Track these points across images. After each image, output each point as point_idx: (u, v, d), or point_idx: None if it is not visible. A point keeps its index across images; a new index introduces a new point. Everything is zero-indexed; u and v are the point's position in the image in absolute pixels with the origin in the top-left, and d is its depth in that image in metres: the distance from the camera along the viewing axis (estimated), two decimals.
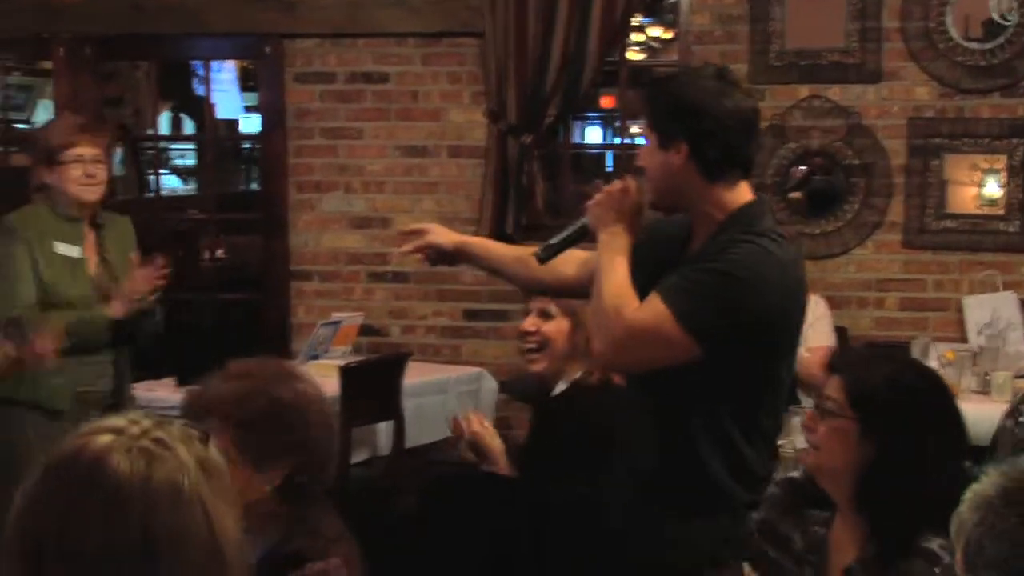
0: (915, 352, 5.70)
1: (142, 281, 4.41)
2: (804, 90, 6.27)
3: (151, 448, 1.46)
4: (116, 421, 1.50)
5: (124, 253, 4.54)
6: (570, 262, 3.11)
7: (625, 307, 2.74)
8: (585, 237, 2.97)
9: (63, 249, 4.35)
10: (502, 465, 3.66)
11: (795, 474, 2.88)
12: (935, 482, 2.41)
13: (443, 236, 3.30)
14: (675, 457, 2.82)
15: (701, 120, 2.76)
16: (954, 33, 6.12)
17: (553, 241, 3.03)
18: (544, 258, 3.06)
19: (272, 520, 2.58)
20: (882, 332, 6.18)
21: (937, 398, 2.55)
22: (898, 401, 2.49)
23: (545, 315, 3.63)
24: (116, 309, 4.39)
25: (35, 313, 4.27)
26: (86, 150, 4.39)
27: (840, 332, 5.75)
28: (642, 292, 2.76)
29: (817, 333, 5.41)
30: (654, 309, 2.71)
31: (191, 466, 1.47)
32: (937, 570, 2.33)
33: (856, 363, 2.65)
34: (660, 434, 2.87)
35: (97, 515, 1.41)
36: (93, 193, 4.41)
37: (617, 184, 2.91)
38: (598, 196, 2.92)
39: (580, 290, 3.08)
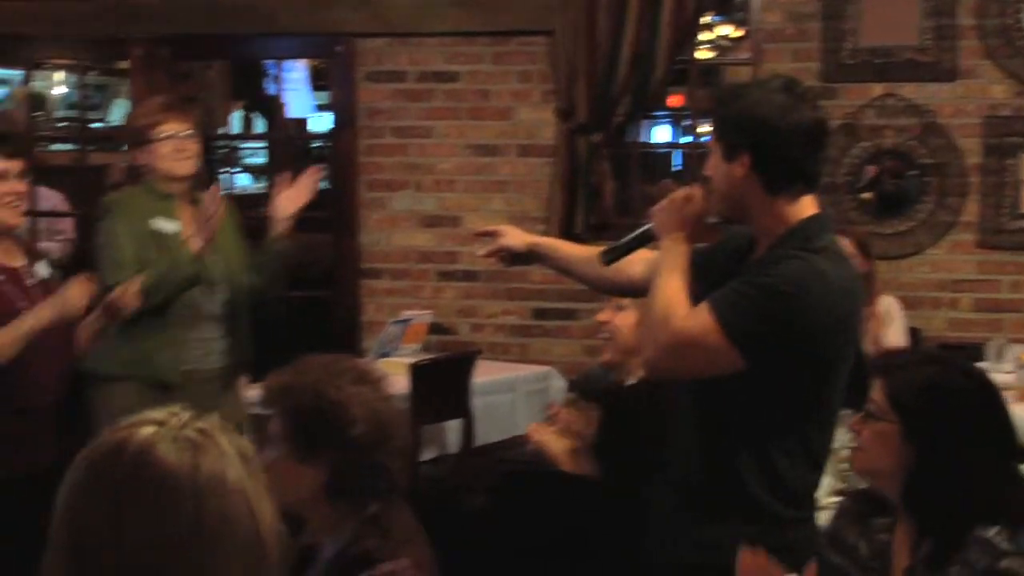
0: (989, 354, 5.63)
1: (212, 202, 4.34)
2: (878, 88, 6.21)
3: (195, 438, 1.48)
4: (155, 414, 1.51)
5: (226, 229, 4.56)
6: (637, 262, 3.10)
7: (674, 315, 2.74)
8: (649, 241, 2.97)
9: (159, 225, 4.40)
10: (567, 464, 3.65)
11: (865, 485, 2.89)
12: (981, 482, 2.43)
13: (516, 238, 3.32)
14: (713, 465, 2.83)
15: (765, 135, 2.73)
16: None
17: (618, 244, 3.05)
18: (608, 260, 3.08)
19: (340, 520, 2.58)
20: (956, 333, 6.11)
21: (980, 398, 2.54)
22: (938, 404, 2.49)
23: (619, 306, 3.65)
24: (194, 243, 4.33)
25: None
26: (174, 126, 4.43)
27: (913, 333, 5.68)
28: (700, 300, 2.76)
29: (891, 337, 5.35)
30: (702, 319, 2.70)
31: (232, 455, 1.49)
32: (997, 559, 2.35)
33: (897, 366, 2.65)
34: (700, 441, 2.88)
35: (147, 506, 1.43)
36: (185, 167, 4.45)
37: (681, 192, 2.90)
38: (662, 203, 2.92)
39: (646, 289, 3.02)
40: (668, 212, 2.88)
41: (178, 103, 4.74)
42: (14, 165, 3.76)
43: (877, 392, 2.57)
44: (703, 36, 9.53)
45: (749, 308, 2.69)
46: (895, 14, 6.16)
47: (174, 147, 4.42)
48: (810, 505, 2.92)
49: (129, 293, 4.02)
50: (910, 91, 6.18)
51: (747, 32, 7.97)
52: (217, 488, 1.45)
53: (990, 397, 2.56)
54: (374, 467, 2.57)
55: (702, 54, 8.91)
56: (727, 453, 2.80)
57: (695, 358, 2.75)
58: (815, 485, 2.93)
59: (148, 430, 1.47)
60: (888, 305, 5.48)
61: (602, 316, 3.68)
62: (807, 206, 2.80)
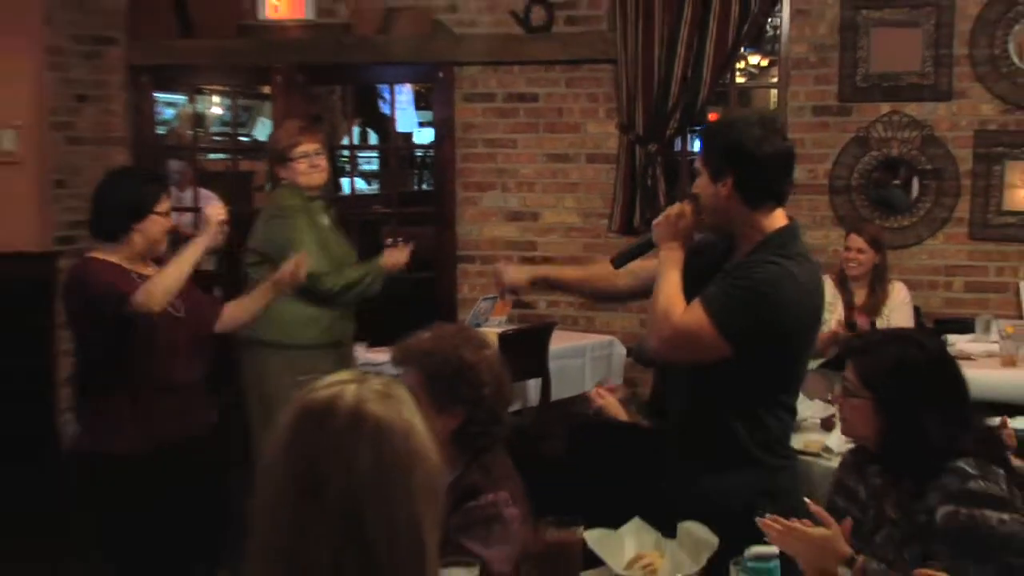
0: (978, 327, 5.54)
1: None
2: (886, 107, 6.11)
3: (389, 392, 1.51)
4: (346, 375, 1.54)
5: (334, 230, 4.68)
6: (623, 275, 3.15)
7: (673, 312, 2.77)
8: (650, 249, 2.99)
9: (322, 220, 4.49)
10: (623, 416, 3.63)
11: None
12: (942, 433, 2.47)
13: (515, 273, 3.34)
14: (706, 426, 2.85)
15: (745, 161, 2.77)
16: (1015, 59, 5.94)
17: (625, 251, 3.10)
18: (619, 264, 3.12)
19: (454, 459, 2.58)
20: (950, 310, 6.02)
21: (936, 366, 2.59)
22: (901, 379, 2.53)
23: None
24: (388, 263, 4.63)
25: (331, 272, 4.46)
26: (308, 146, 4.49)
27: (915, 311, 5.58)
28: (688, 295, 2.79)
29: (900, 316, 5.27)
30: (696, 316, 2.74)
31: (412, 404, 1.53)
32: (965, 481, 2.39)
33: (866, 348, 2.68)
34: (695, 405, 2.91)
35: (367, 447, 1.45)
36: (318, 179, 4.54)
37: (675, 208, 2.93)
38: (660, 217, 2.95)
39: (633, 296, 3.27)
40: (665, 225, 2.91)
41: (310, 126, 4.80)
42: (168, 204, 3.69)
43: (851, 372, 2.62)
44: (738, 65, 9.47)
45: (736, 306, 2.72)
46: (900, 45, 6.07)
47: (308, 164, 4.48)
48: (790, 452, 2.96)
49: (299, 270, 3.93)
50: (913, 109, 6.08)
51: (772, 61, 7.89)
52: (411, 430, 1.49)
53: (944, 363, 2.62)
54: (496, 419, 2.58)
55: (738, 79, 8.84)
56: (719, 416, 2.82)
57: (691, 348, 2.78)
58: (789, 434, 2.97)
59: (353, 387, 1.50)
60: (898, 290, 5.40)
61: None
62: (779, 218, 2.83)
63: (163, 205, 3.63)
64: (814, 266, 2.86)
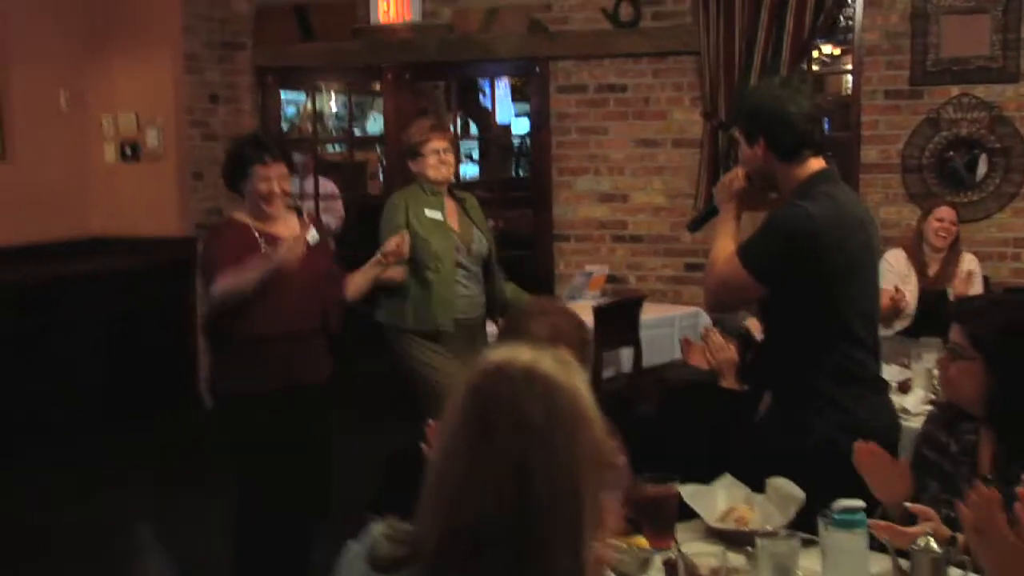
0: None
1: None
2: (955, 89, 5.95)
3: (562, 359, 1.52)
4: (518, 347, 1.54)
5: (480, 217, 4.71)
6: None
7: (717, 263, 2.89)
8: (715, 213, 3.07)
9: (430, 214, 4.49)
10: (730, 377, 3.57)
11: (944, 402, 2.82)
12: None
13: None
14: (783, 364, 2.89)
15: (771, 122, 2.82)
16: None
17: (695, 217, 3.32)
18: (692, 229, 3.38)
19: None
20: (1017, 280, 5.87)
21: None
22: (1012, 340, 2.43)
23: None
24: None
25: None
26: (438, 143, 4.51)
27: (984, 280, 5.44)
28: None
29: (973, 286, 5.14)
30: (732, 263, 2.84)
31: (582, 374, 1.52)
32: None
33: (973, 312, 2.60)
34: (771, 349, 2.96)
35: (538, 400, 1.45)
36: (445, 173, 4.55)
37: (730, 174, 3.03)
38: (719, 182, 3.06)
39: None
40: (722, 189, 3.02)
41: (440, 124, 4.83)
42: (275, 171, 3.77)
43: (958, 334, 2.50)
44: (812, 54, 9.29)
45: (760, 248, 2.82)
46: (969, 30, 5.90)
47: (438, 159, 4.50)
48: (870, 385, 2.90)
49: (403, 243, 4.12)
50: (981, 91, 5.91)
51: (847, 49, 7.72)
52: (579, 394, 1.48)
53: None
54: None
55: (812, 67, 8.68)
56: (790, 354, 2.85)
57: (732, 292, 2.90)
58: (875, 368, 2.93)
59: (527, 352, 1.51)
60: (969, 260, 5.27)
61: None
62: (812, 166, 2.87)
63: (260, 166, 3.73)
64: (839, 201, 2.84)
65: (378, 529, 1.55)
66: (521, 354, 1.50)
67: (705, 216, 3.20)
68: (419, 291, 4.42)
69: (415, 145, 4.52)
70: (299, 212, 4.03)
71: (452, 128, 8.20)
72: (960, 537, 2.20)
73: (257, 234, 3.75)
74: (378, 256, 4.11)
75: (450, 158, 4.55)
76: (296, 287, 3.68)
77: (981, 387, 2.44)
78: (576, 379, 1.50)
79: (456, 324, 4.45)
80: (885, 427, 2.87)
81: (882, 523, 2.25)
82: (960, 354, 2.48)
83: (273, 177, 3.74)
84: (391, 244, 4.11)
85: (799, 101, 2.84)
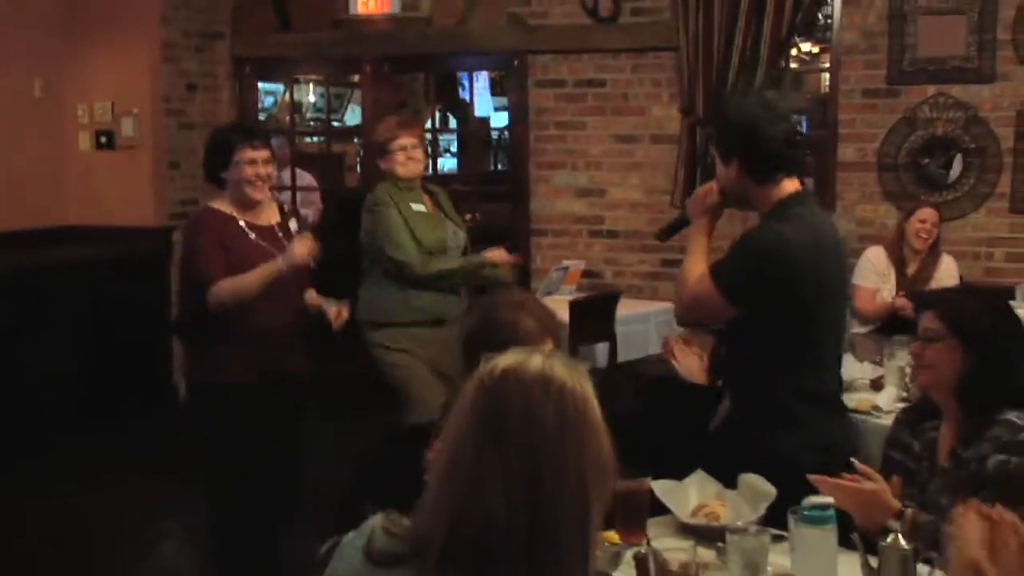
0: (1019, 294, 5.40)
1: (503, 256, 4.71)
2: (931, 89, 5.98)
3: (573, 365, 1.54)
4: (528, 351, 1.56)
5: (452, 210, 4.73)
6: None
7: (690, 279, 2.86)
8: (686, 224, 3.07)
9: (414, 206, 4.49)
10: (700, 376, 3.58)
11: (911, 402, 2.89)
12: (1018, 374, 2.49)
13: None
14: (751, 384, 2.87)
15: (746, 144, 2.80)
16: None
17: (665, 227, 3.24)
18: (662, 238, 3.33)
19: None
20: (991, 279, 5.89)
21: (1010, 315, 2.63)
22: (988, 320, 2.54)
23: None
24: (494, 256, 4.68)
25: (419, 258, 4.45)
26: (405, 140, 4.50)
27: (959, 279, 5.49)
28: None
29: (946, 273, 5.23)
30: (705, 281, 2.81)
31: (591, 382, 1.54)
32: (1016, 433, 2.40)
33: (943, 299, 2.73)
34: (739, 367, 2.93)
35: (552, 404, 1.47)
36: (413, 169, 4.53)
37: (703, 188, 3.01)
38: (693, 195, 3.04)
39: None
40: (695, 203, 3.00)
41: (409, 121, 4.81)
42: (261, 154, 3.75)
43: (931, 320, 2.57)
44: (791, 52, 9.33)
45: (731, 269, 2.78)
46: (945, 31, 5.93)
47: (406, 156, 4.49)
48: (835, 408, 2.91)
49: (342, 317, 3.96)
50: (957, 91, 5.94)
51: (826, 48, 7.75)
52: (589, 401, 1.50)
53: (1012, 313, 2.66)
54: None
55: (791, 65, 8.71)
56: (759, 375, 2.82)
57: (703, 310, 2.87)
58: (836, 388, 2.94)
59: (538, 357, 1.52)
60: (948, 262, 5.35)
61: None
62: (787, 187, 2.83)
63: (243, 153, 3.70)
64: (812, 224, 2.82)
65: (377, 522, 1.54)
66: (533, 358, 1.51)
67: (676, 226, 3.18)
68: (384, 285, 4.42)
69: (382, 143, 4.53)
70: (280, 205, 4.01)
71: (431, 121, 8.23)
72: (908, 511, 2.26)
73: (243, 223, 3.72)
74: (328, 309, 3.94)
75: (418, 154, 4.53)
76: (277, 281, 3.67)
77: (959, 366, 2.50)
78: (587, 385, 1.52)
79: (422, 320, 4.47)
80: (846, 449, 2.87)
81: (823, 477, 2.31)
82: (934, 338, 2.55)
83: (259, 160, 3.72)
84: (334, 314, 3.93)
85: (777, 122, 2.79)
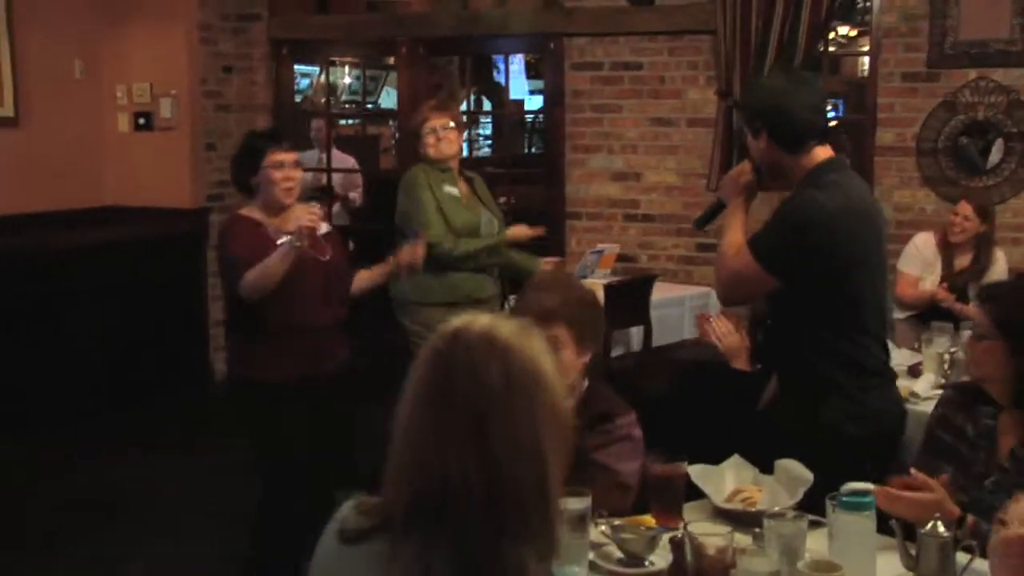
0: None
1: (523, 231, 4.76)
2: (973, 73, 5.88)
3: (522, 325, 1.55)
4: (477, 314, 1.57)
5: (488, 197, 4.77)
6: None
7: (728, 256, 2.88)
8: (722, 208, 3.08)
9: (448, 189, 4.50)
10: (741, 359, 3.56)
11: (966, 379, 2.81)
12: None
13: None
14: (792, 355, 2.89)
15: (772, 115, 2.84)
16: None
17: (702, 214, 3.26)
18: (699, 225, 3.31)
19: (571, 391, 2.60)
20: None
21: None
22: None
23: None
24: (515, 232, 4.72)
25: (450, 239, 4.47)
26: (435, 122, 4.52)
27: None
28: None
29: (996, 275, 5.15)
30: (744, 255, 2.83)
31: (542, 341, 1.55)
32: None
33: (997, 295, 2.62)
34: (779, 338, 2.96)
35: (496, 362, 1.48)
36: (445, 151, 4.55)
37: (736, 168, 3.06)
38: (726, 176, 3.09)
39: None
40: (729, 183, 3.04)
41: (442, 103, 4.81)
42: (289, 156, 3.74)
43: (983, 317, 2.52)
44: (828, 35, 9.24)
45: (769, 240, 2.81)
46: (988, 13, 5.83)
47: (435, 138, 4.51)
48: (877, 376, 2.89)
49: (417, 254, 4.01)
50: (999, 75, 5.85)
51: (864, 31, 7.68)
52: (538, 358, 1.50)
53: None
54: (607, 351, 2.65)
55: (829, 49, 8.63)
56: (798, 344, 2.85)
57: (744, 285, 2.88)
58: (882, 357, 2.93)
59: (485, 318, 1.54)
60: (1000, 259, 5.30)
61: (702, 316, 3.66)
62: (819, 154, 2.87)
63: (271, 158, 3.69)
64: (847, 190, 2.85)
65: (348, 504, 1.56)
66: (480, 319, 1.53)
67: (713, 212, 3.18)
68: (439, 267, 4.43)
69: (415, 126, 4.58)
70: (315, 200, 4.00)
71: (466, 104, 8.22)
72: (970, 518, 2.20)
73: (271, 231, 3.70)
74: (391, 263, 4.01)
75: (451, 135, 4.53)
76: (312, 279, 3.68)
77: (1006, 368, 2.44)
78: (535, 343, 1.52)
79: (474, 302, 4.47)
80: (892, 416, 2.86)
81: (882, 488, 2.24)
82: (984, 335, 2.49)
83: (287, 163, 3.71)
84: (405, 255, 3.99)
85: (801, 92, 2.86)
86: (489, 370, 1.46)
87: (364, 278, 3.98)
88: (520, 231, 4.74)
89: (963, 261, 5.19)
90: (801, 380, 2.86)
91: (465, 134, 8.03)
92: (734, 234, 2.91)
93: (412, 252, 4.00)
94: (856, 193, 2.88)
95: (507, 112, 9.61)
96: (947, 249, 5.20)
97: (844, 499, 2.16)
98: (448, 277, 4.50)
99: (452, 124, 4.55)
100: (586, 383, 2.63)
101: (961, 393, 2.66)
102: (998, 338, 2.45)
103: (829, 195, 2.77)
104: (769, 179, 3.00)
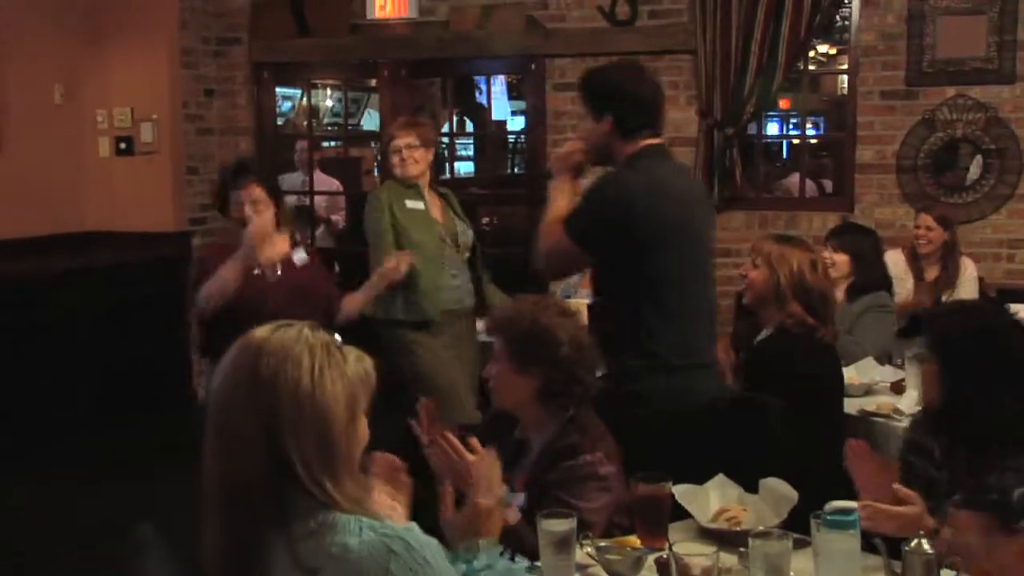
0: None
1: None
2: (951, 91, 5.94)
3: (303, 332, 1.68)
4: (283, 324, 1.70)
5: (461, 212, 4.84)
6: None
7: (546, 231, 3.08)
8: (550, 178, 3.28)
9: (411, 204, 4.53)
10: (729, 377, 3.58)
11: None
12: (1004, 409, 2.35)
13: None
14: (610, 324, 3.03)
15: (619, 99, 3.05)
16: None
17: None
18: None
19: (546, 420, 2.59)
20: (1011, 281, 5.87)
21: (1005, 338, 2.44)
22: (967, 346, 2.42)
23: (755, 264, 3.46)
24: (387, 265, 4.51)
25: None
26: (400, 140, 4.56)
27: (979, 281, 5.45)
28: None
29: (967, 291, 5.15)
30: (558, 231, 3.02)
31: (314, 344, 1.65)
32: None
33: (937, 318, 2.63)
34: (602, 319, 3.10)
35: (246, 361, 1.66)
36: (411, 169, 4.59)
37: (567, 146, 3.26)
38: (557, 153, 3.29)
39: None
40: (558, 161, 3.24)
41: (409, 121, 4.85)
42: (248, 194, 3.89)
43: (923, 340, 2.54)
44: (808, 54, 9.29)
45: (577, 215, 3.01)
46: (965, 32, 5.89)
47: (399, 157, 4.54)
48: (691, 355, 3.03)
49: (401, 265, 4.19)
50: (977, 92, 5.90)
51: (844, 49, 7.73)
52: (287, 356, 1.62)
53: (1012, 335, 2.46)
54: (575, 379, 2.58)
55: (808, 67, 8.68)
56: (615, 315, 3.02)
57: (561, 258, 3.09)
58: (692, 338, 3.05)
59: (265, 327, 1.69)
60: (968, 266, 5.28)
61: (742, 270, 3.59)
62: (642, 142, 3.06)
63: (238, 193, 3.88)
64: (658, 172, 3.03)
65: None
66: (261, 327, 1.67)
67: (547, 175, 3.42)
68: (408, 281, 4.42)
69: (384, 145, 4.68)
70: (292, 236, 4.05)
71: (448, 125, 8.24)
72: (945, 531, 2.21)
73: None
74: (375, 277, 4.16)
75: (416, 154, 4.56)
76: (273, 301, 3.71)
77: (938, 391, 2.46)
78: (295, 347, 1.63)
79: (447, 314, 4.48)
80: (670, 401, 2.99)
81: (866, 504, 2.25)
82: (923, 358, 2.54)
83: (244, 201, 3.86)
84: (390, 265, 4.17)
85: (647, 86, 3.09)
86: (240, 371, 1.64)
87: (359, 299, 4.07)
88: (389, 264, 4.43)
89: (932, 272, 5.23)
90: (618, 361, 3.01)
91: (446, 153, 8.08)
92: (556, 210, 3.08)
93: (394, 265, 4.16)
94: (668, 176, 3.07)
95: (489, 133, 9.63)
96: (916, 262, 5.23)
97: (828, 517, 2.16)
98: (408, 295, 4.49)
99: (417, 143, 4.57)
100: (562, 414, 2.59)
101: (928, 415, 2.67)
102: (933, 361, 2.48)
103: (635, 176, 2.98)
104: (597, 162, 3.19)
